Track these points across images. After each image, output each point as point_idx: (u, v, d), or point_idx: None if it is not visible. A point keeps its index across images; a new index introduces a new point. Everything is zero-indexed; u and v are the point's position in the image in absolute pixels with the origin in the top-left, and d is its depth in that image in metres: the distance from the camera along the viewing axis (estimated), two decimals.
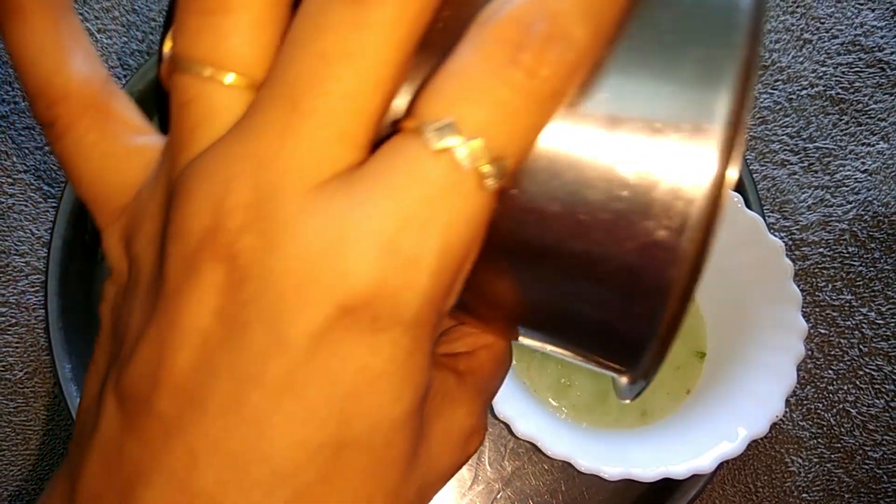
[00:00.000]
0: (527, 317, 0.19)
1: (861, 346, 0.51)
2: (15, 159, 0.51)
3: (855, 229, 0.52)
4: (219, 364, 0.16)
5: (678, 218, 0.16)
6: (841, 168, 0.52)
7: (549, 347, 0.20)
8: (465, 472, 0.48)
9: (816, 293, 0.51)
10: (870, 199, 0.52)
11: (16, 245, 0.50)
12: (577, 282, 0.17)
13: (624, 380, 0.20)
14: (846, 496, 0.49)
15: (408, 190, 0.15)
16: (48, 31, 0.18)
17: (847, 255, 0.51)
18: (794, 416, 0.50)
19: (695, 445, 0.43)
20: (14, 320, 0.50)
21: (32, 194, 0.50)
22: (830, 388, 0.50)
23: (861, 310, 0.51)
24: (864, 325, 0.51)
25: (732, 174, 0.16)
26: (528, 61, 0.15)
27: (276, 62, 0.16)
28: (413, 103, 0.16)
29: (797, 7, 0.54)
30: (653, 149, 0.16)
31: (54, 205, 0.50)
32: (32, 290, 0.50)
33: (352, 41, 0.15)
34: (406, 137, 0.16)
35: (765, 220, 0.44)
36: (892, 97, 0.53)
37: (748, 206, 0.46)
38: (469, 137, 0.15)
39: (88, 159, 0.18)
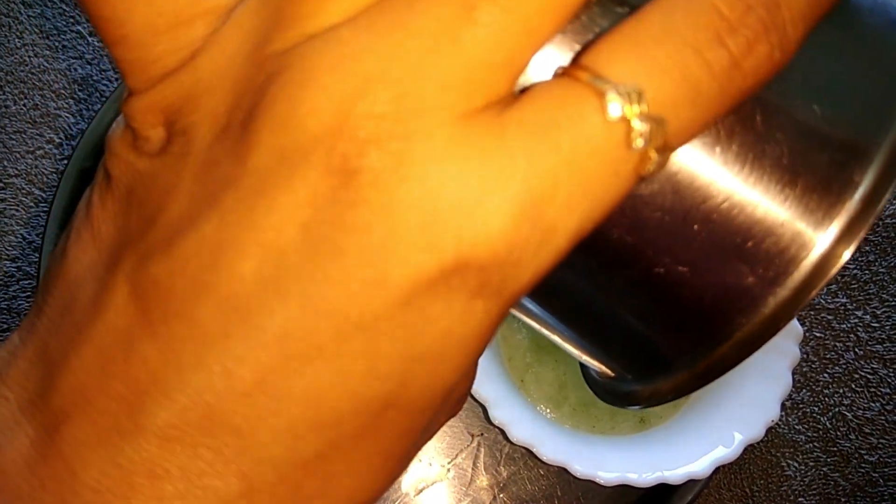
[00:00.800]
0: (556, 302, 0.18)
1: (856, 350, 0.51)
2: (6, 163, 0.50)
3: None
4: (290, 286, 0.14)
5: (774, 272, 0.15)
6: None
7: (538, 323, 0.19)
8: (461, 477, 0.48)
9: None
10: None
11: (7, 250, 0.50)
12: (638, 291, 0.16)
13: (604, 377, 0.19)
14: (842, 500, 0.49)
15: (569, 154, 0.13)
16: None
17: None
18: (790, 419, 0.50)
19: (690, 450, 0.43)
20: (5, 325, 0.49)
21: (24, 199, 0.50)
22: (826, 391, 0.50)
23: (856, 313, 0.51)
24: (859, 329, 0.51)
25: (846, 255, 0.15)
26: (736, 47, 0.13)
27: None
28: (587, 52, 0.14)
29: None
30: (780, 199, 0.15)
31: (46, 209, 0.50)
32: (24, 295, 0.50)
33: None
34: (576, 89, 0.13)
35: None
36: None
37: None
38: (650, 114, 0.13)
39: (135, 15, 0.15)
